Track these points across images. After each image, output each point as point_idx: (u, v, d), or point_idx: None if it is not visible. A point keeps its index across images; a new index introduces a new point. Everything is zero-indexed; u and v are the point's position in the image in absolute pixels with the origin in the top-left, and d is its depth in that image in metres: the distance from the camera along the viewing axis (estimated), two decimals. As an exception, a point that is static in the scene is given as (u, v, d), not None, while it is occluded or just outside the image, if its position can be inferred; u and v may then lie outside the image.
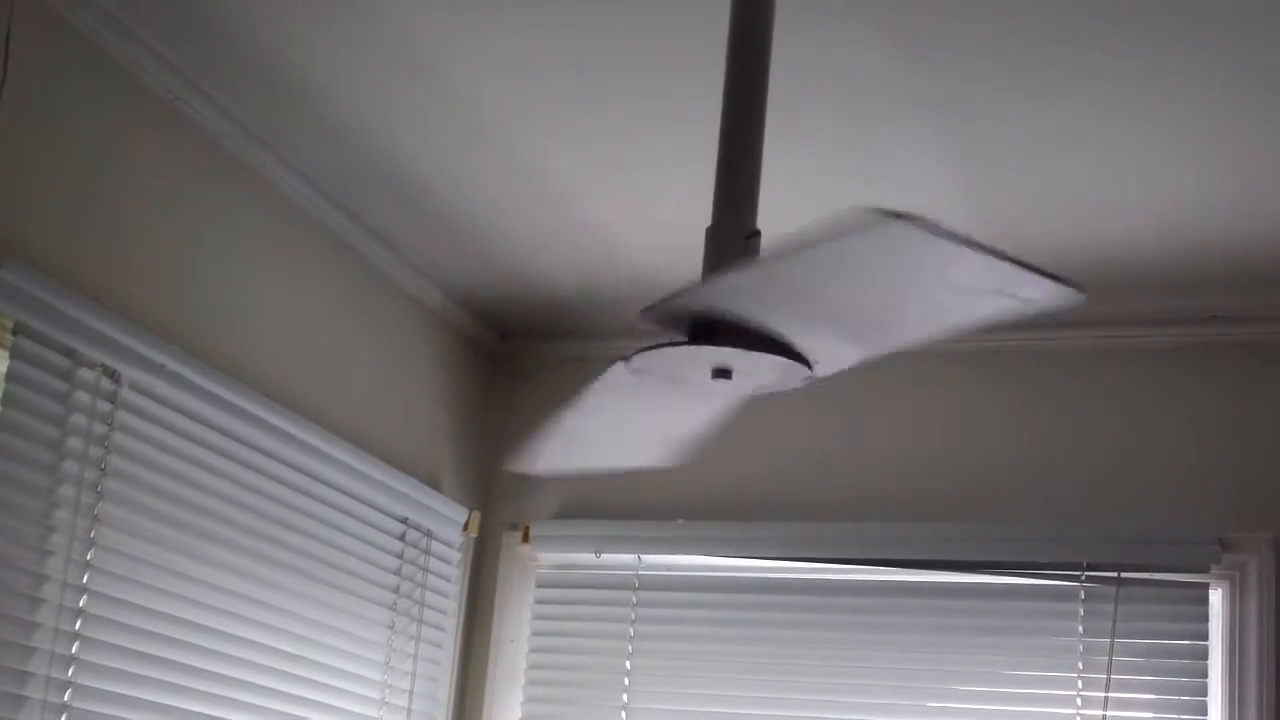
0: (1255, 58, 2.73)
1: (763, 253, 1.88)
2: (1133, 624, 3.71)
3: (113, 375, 2.95)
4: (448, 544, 4.10)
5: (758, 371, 2.04)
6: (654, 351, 2.02)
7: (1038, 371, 3.94)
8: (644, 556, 4.13)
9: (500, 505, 4.30)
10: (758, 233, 2.07)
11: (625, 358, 2.09)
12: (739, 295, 1.92)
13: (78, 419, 2.87)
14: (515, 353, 4.41)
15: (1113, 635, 3.70)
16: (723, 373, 2.05)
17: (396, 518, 3.88)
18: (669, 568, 4.12)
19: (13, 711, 2.71)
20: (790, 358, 1.99)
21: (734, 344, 1.98)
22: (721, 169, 2.11)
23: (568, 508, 4.23)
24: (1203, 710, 3.63)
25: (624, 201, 3.55)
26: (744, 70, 2.14)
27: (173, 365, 3.06)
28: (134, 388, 3.00)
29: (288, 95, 3.18)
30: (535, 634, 4.22)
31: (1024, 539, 3.81)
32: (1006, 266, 1.71)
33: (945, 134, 3.10)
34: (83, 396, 2.88)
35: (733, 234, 2.06)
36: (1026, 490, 3.88)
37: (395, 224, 3.76)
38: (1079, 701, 3.70)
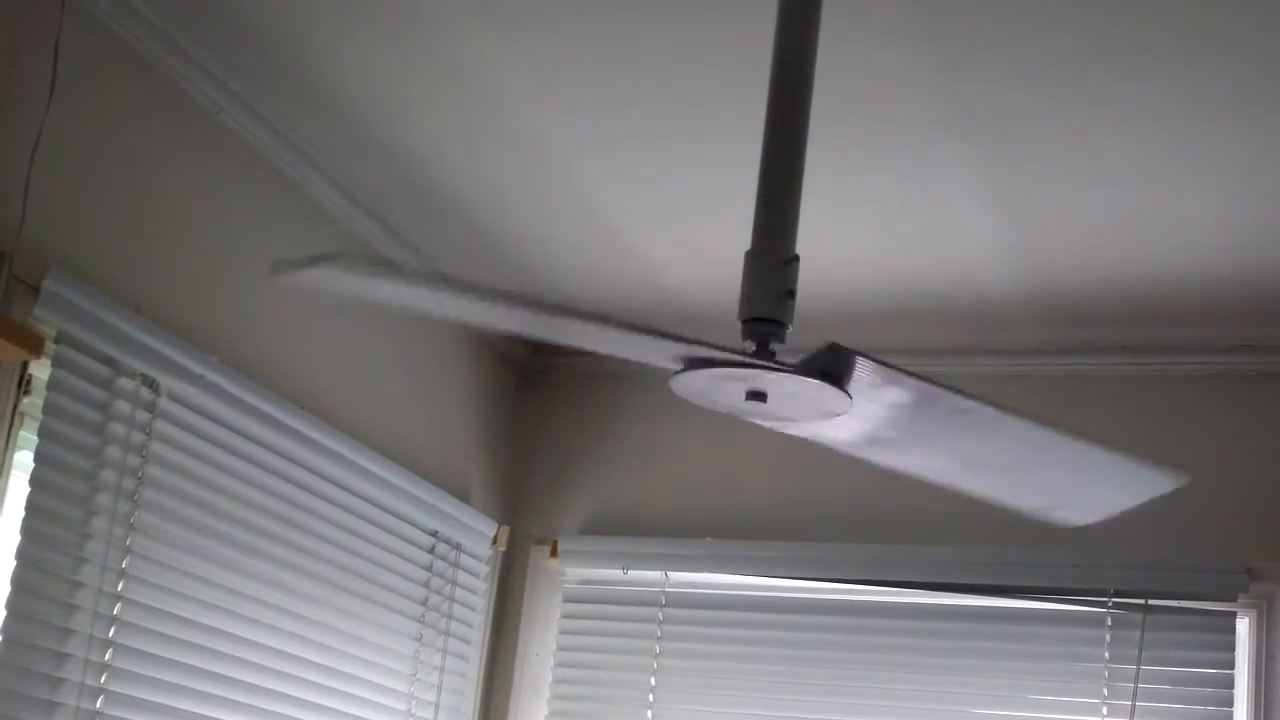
0: (1293, 90, 2.74)
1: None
2: (1159, 651, 3.70)
3: (152, 384, 2.97)
4: (476, 557, 4.11)
5: (793, 401, 2.05)
6: (694, 371, 2.03)
7: (1067, 397, 3.93)
8: (671, 574, 4.13)
9: (529, 519, 4.31)
10: (796, 258, 2.08)
11: (675, 371, 2.05)
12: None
13: (116, 427, 2.89)
14: (546, 368, 4.43)
15: (1139, 662, 3.70)
16: (757, 395, 2.06)
17: (426, 530, 3.90)
18: (696, 585, 4.13)
19: (46, 717, 2.73)
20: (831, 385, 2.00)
21: (771, 368, 1.98)
22: (762, 194, 2.11)
23: (596, 523, 4.24)
24: (1228, 739, 3.63)
25: (660, 220, 3.56)
26: (786, 97, 2.14)
27: (210, 375, 3.09)
28: (172, 397, 3.03)
29: (327, 109, 3.20)
30: (561, 648, 4.23)
31: (1052, 564, 3.80)
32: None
33: (982, 160, 3.11)
34: (122, 405, 2.90)
35: (772, 259, 2.07)
36: (1055, 515, 3.87)
37: (429, 237, 3.78)
38: (1103, 728, 3.71)
